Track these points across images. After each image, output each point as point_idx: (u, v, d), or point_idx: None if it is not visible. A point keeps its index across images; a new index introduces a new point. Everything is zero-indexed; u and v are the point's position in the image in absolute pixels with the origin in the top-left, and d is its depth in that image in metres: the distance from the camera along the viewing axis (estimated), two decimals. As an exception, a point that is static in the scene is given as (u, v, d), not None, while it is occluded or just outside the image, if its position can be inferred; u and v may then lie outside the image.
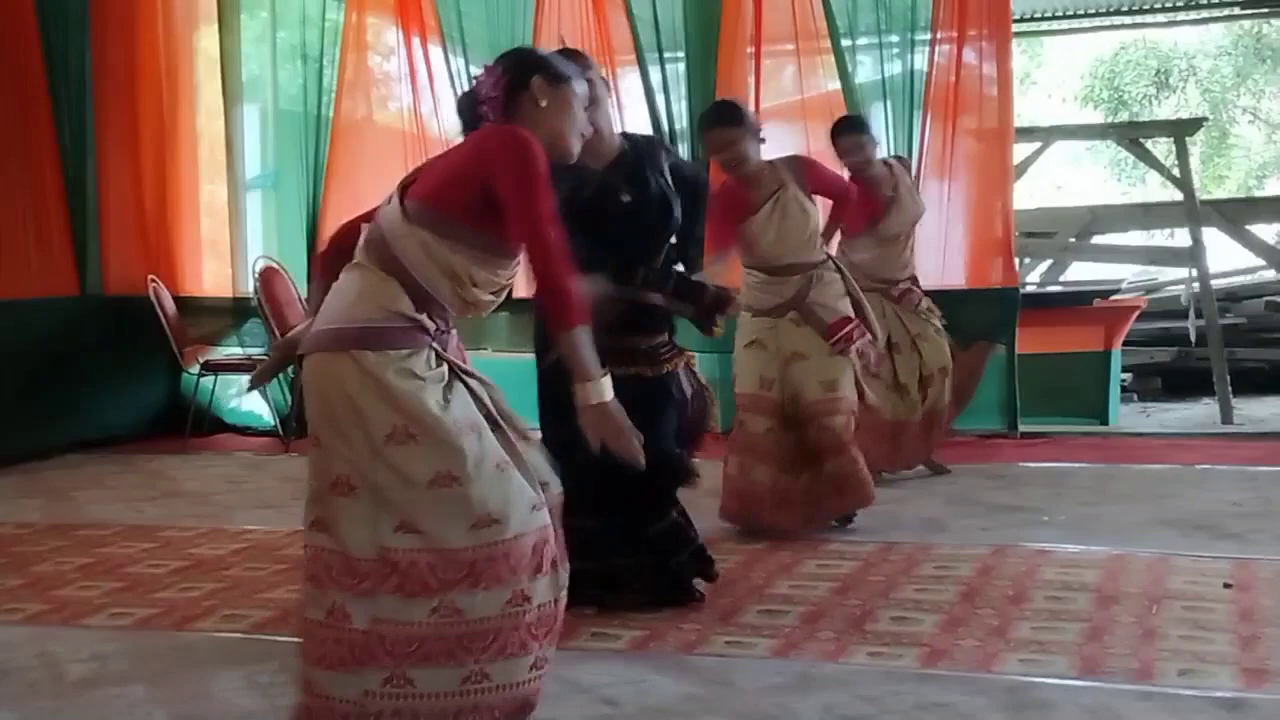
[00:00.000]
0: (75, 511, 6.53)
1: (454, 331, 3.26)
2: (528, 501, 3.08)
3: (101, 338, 8.57)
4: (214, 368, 8.64)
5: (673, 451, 4.39)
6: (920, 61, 8.03)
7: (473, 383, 3.16)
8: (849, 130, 6.51)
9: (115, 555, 5.50)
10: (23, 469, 7.67)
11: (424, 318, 3.07)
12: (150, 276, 8.63)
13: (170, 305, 8.64)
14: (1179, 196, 9.79)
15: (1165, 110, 20.65)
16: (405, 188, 3.15)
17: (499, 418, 3.17)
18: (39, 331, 8.25)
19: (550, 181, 3.07)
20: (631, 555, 4.40)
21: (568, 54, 3.97)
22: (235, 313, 9.03)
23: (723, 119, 5.28)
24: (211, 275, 9.20)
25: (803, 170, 5.54)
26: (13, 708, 3.66)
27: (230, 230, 9.17)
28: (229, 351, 8.91)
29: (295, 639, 4.16)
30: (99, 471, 7.69)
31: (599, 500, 4.13)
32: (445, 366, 3.10)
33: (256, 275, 8.46)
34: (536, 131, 3.14)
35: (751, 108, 8.09)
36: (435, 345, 3.09)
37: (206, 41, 9.11)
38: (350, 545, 3.04)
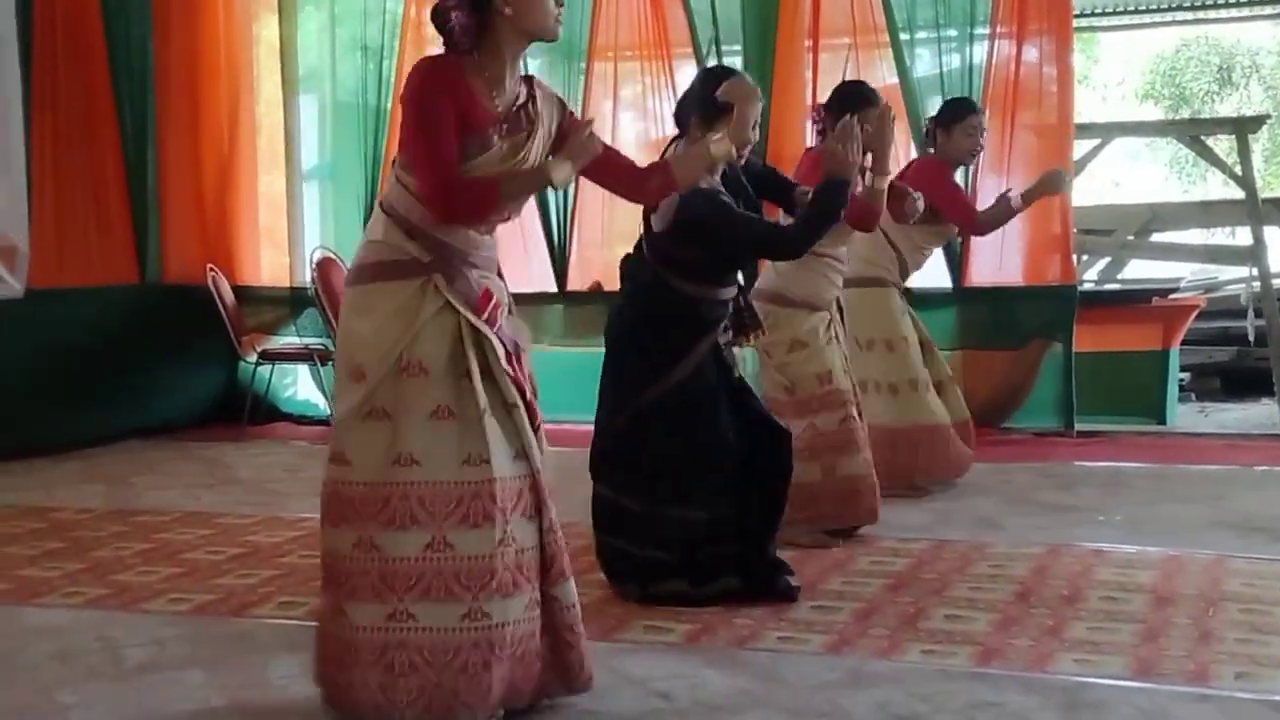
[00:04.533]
0: (134, 498, 6.61)
1: (495, 282, 3.42)
2: (453, 453, 3.22)
3: (160, 326, 8.66)
4: (271, 357, 8.73)
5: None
6: (979, 56, 8.00)
7: (482, 333, 3.31)
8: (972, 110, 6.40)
9: (174, 541, 5.57)
10: (83, 455, 7.78)
11: (413, 246, 3.28)
12: (209, 265, 8.72)
13: (228, 294, 8.73)
14: (1240, 194, 9.67)
15: (1227, 107, 20.40)
16: None
17: (496, 374, 3.31)
18: (99, 319, 8.35)
19: (434, 100, 3.24)
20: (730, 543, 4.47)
21: None
22: (292, 302, 9.10)
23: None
24: (269, 265, 9.27)
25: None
26: (73, 690, 3.71)
27: (288, 220, 9.24)
28: (286, 341, 8.99)
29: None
30: (157, 458, 7.78)
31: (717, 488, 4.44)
32: (438, 304, 3.27)
33: (314, 265, 8.54)
34: (510, 36, 3.31)
35: (809, 102, 8.10)
36: (437, 277, 3.27)
37: (267, 32, 9.18)
38: None
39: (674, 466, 4.41)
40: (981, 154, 7.72)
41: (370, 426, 3.24)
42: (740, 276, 4.59)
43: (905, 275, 6.30)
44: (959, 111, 6.30)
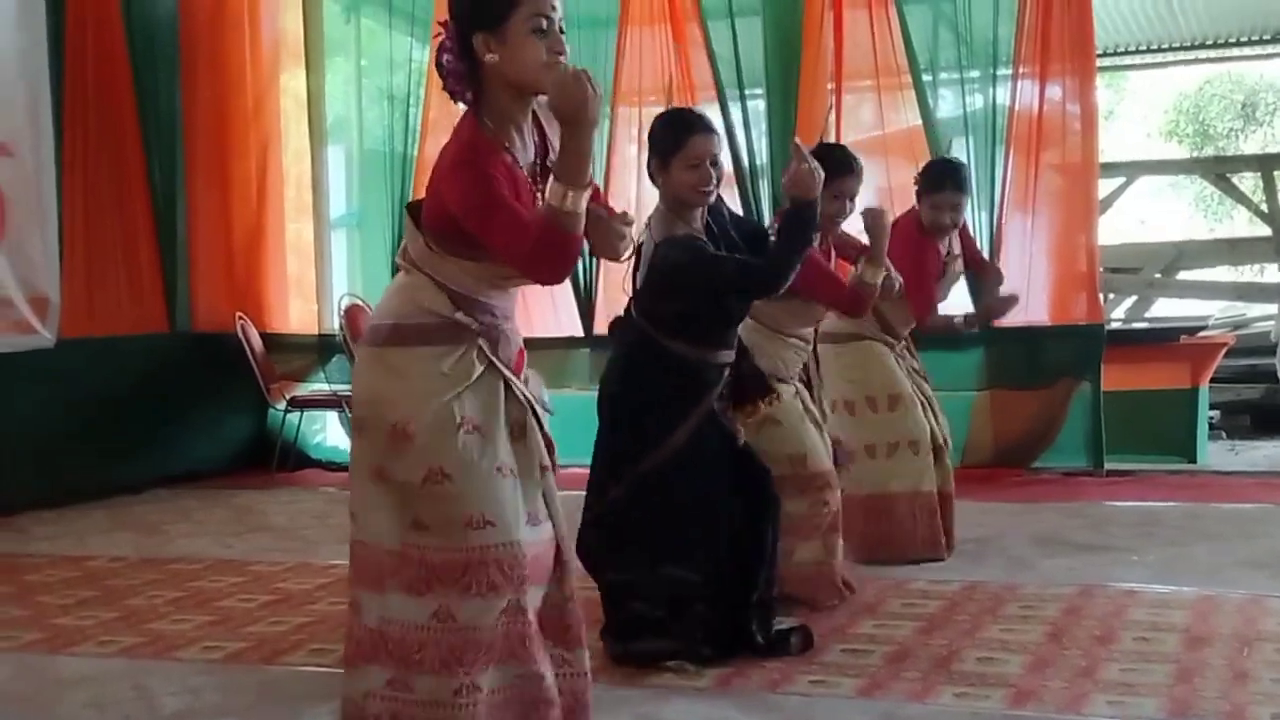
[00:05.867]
0: (166, 545, 6.63)
1: (512, 329, 3.29)
2: (521, 512, 3.14)
3: (190, 374, 8.72)
4: (300, 404, 8.77)
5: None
6: (1002, 96, 8.02)
7: (516, 389, 3.22)
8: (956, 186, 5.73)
9: (206, 589, 5.59)
10: (114, 502, 7.82)
11: (460, 315, 3.14)
12: (238, 314, 8.78)
13: (257, 342, 8.78)
14: (1267, 231, 9.69)
15: (1252, 144, 20.41)
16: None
17: (531, 431, 3.23)
18: (129, 368, 8.42)
19: (492, 168, 2.97)
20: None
21: None
22: (321, 349, 9.15)
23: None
24: (297, 312, 9.33)
25: None
26: (108, 739, 3.72)
27: (316, 268, 9.31)
28: (315, 388, 9.05)
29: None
30: (187, 506, 7.81)
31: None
32: (483, 366, 3.15)
33: (341, 313, 8.59)
34: (501, 88, 3.06)
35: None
36: (482, 342, 3.15)
37: (294, 83, 9.26)
38: (369, 534, 3.20)
39: (670, 526, 4.18)
40: (1007, 193, 7.79)
41: (434, 490, 3.07)
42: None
43: (894, 332, 5.69)
44: (934, 183, 5.69)
